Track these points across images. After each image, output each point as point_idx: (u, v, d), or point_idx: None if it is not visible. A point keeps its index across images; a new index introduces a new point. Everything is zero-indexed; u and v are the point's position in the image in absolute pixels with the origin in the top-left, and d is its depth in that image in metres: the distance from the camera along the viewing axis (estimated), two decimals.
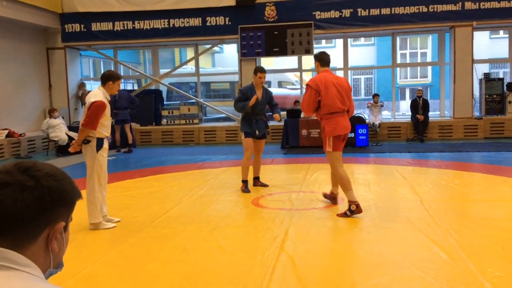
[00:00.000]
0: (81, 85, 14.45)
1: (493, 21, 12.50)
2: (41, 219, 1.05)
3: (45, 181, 1.05)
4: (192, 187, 6.93)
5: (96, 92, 5.04)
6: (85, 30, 13.70)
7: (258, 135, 6.65)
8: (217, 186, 6.98)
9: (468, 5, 12.34)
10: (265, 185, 6.87)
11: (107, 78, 5.06)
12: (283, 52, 13.16)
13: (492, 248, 3.96)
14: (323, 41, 23.27)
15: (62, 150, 11.30)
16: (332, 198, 5.79)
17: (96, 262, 3.93)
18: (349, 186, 5.13)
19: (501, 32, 19.88)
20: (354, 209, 5.04)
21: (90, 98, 4.97)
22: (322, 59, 5.44)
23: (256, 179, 6.94)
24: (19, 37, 12.71)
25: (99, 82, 5.17)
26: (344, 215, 5.07)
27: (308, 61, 20.18)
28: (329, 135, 5.18)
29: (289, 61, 16.93)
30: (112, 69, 15.60)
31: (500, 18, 12.34)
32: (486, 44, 21.13)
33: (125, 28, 13.60)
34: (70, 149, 5.14)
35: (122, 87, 17.81)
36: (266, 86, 6.93)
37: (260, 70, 6.68)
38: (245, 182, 6.61)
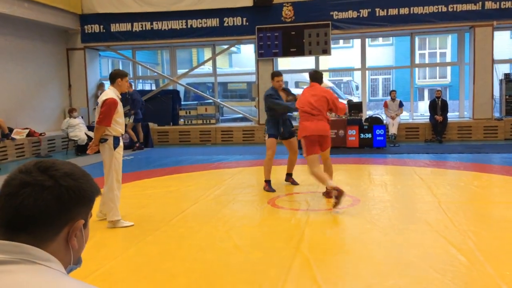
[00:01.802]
0: (100, 85, 14.63)
1: None
2: (60, 217, 1.08)
3: (64, 180, 1.08)
4: (208, 187, 6.97)
5: (108, 92, 5.20)
6: (104, 31, 13.88)
7: (286, 134, 6.92)
8: (234, 186, 7.01)
9: (489, 5, 12.16)
10: (295, 183, 7.06)
11: (116, 76, 5.20)
12: (300, 52, 13.14)
13: (511, 251, 3.91)
14: (341, 41, 23.17)
15: (81, 149, 11.46)
16: (326, 193, 6.13)
17: (114, 260, 3.99)
18: (324, 178, 5.68)
19: None
20: (336, 194, 5.35)
21: (102, 97, 5.15)
22: (310, 76, 6.37)
23: (289, 175, 7.16)
24: (40, 38, 12.94)
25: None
26: (335, 205, 5.34)
27: (326, 61, 20.13)
28: (299, 136, 6.01)
29: (306, 61, 16.88)
30: (131, 69, 15.79)
31: None
32: (507, 44, 20.78)
33: (144, 28, 13.74)
34: (89, 151, 5.25)
35: (140, 87, 18.04)
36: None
37: (276, 75, 6.97)
38: (268, 182, 6.73)
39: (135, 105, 12.15)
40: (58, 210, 1.07)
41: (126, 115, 11.82)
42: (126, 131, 12.17)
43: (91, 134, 11.62)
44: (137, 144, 12.28)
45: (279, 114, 6.81)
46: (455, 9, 12.31)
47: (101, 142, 5.08)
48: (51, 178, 1.07)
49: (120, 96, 5.26)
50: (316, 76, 6.27)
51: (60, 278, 1.03)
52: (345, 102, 14.44)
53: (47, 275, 1.02)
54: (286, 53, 13.27)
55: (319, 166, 5.90)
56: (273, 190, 6.59)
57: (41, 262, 1.03)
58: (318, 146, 5.96)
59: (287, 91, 7.16)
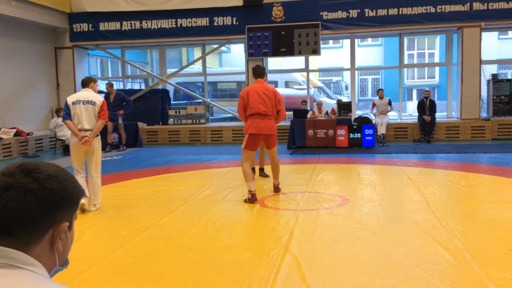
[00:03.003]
0: (110, 85, 14.40)
1: (501, 22, 12.44)
2: (45, 220, 1.07)
3: (48, 183, 1.07)
4: (198, 187, 6.96)
5: (95, 93, 6.00)
6: (93, 29, 13.79)
7: None
8: (223, 186, 7.00)
9: (476, 6, 12.28)
10: (266, 176, 7.57)
11: (89, 81, 6.06)
12: (290, 52, 13.17)
13: (498, 250, 3.95)
14: (331, 41, 23.26)
15: (69, 149, 11.35)
16: (276, 188, 6.48)
17: (102, 261, 3.96)
18: (248, 178, 5.98)
19: (510, 32, 19.79)
20: (250, 198, 5.87)
21: (97, 97, 5.92)
22: (254, 71, 6.32)
23: (261, 169, 7.73)
24: (27, 37, 12.82)
25: (106, 81, 5.71)
26: (245, 201, 5.91)
27: (315, 61, 20.19)
28: (244, 131, 6.14)
29: (296, 61, 16.92)
30: (120, 68, 15.70)
31: (508, 18, 12.28)
32: (494, 45, 21.01)
33: (133, 27, 13.68)
34: (86, 144, 5.73)
35: (129, 86, 17.95)
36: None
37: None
38: (260, 169, 7.54)
39: (129, 106, 12.05)
40: (42, 213, 1.06)
41: (115, 116, 11.74)
42: (117, 132, 12.09)
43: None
44: (109, 148, 11.93)
45: None
46: (443, 10, 12.42)
47: (97, 136, 5.91)
48: (35, 180, 1.06)
49: None
50: (259, 71, 6.25)
51: (43, 283, 1.02)
52: (334, 102, 14.51)
53: (31, 280, 1.00)
54: (276, 53, 13.28)
55: (252, 163, 6.13)
56: (267, 175, 7.38)
57: (24, 266, 1.02)
58: (259, 144, 6.25)
59: None
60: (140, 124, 13.42)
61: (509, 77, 15.56)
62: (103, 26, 13.76)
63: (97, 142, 5.91)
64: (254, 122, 6.01)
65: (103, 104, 5.88)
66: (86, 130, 5.77)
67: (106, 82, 13.60)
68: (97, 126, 5.83)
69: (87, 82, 6.02)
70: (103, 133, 11.93)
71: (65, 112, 5.85)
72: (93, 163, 5.85)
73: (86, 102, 5.80)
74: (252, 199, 5.88)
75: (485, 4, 12.24)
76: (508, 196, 6.04)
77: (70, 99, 5.86)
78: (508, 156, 9.25)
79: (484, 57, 12.85)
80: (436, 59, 23.49)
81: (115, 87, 12.45)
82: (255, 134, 6.04)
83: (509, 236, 4.32)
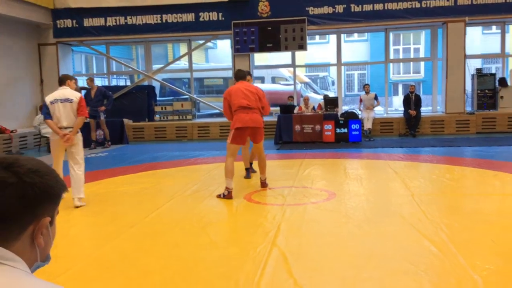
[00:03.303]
0: (90, 80, 14.29)
1: (485, 17, 12.56)
2: (25, 215, 1.05)
3: (28, 177, 1.05)
4: (185, 183, 6.93)
5: (72, 90, 6.06)
6: (77, 25, 13.63)
7: None
8: (210, 182, 6.98)
9: (461, 1, 12.39)
10: (253, 171, 7.49)
11: (66, 78, 6.15)
12: (276, 47, 13.15)
13: (482, 242, 4.00)
14: (317, 36, 23.27)
15: None
16: (262, 183, 6.50)
17: (87, 258, 3.93)
18: (228, 175, 5.92)
19: (494, 27, 19.97)
20: (226, 194, 5.87)
21: (74, 94, 5.98)
22: (236, 75, 6.49)
23: (250, 164, 7.63)
24: (10, 33, 12.63)
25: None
26: (218, 196, 5.93)
27: (302, 56, 20.20)
28: (231, 127, 6.13)
29: (283, 56, 16.91)
30: (105, 65, 15.57)
31: (492, 13, 12.40)
32: (479, 40, 21.22)
33: (117, 23, 13.54)
34: (68, 142, 5.81)
35: (115, 82, 17.79)
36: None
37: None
38: (247, 169, 7.40)
39: (110, 101, 11.94)
40: (22, 208, 1.04)
41: (96, 112, 11.60)
42: (101, 128, 11.97)
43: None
44: (94, 144, 11.79)
45: None
46: (428, 5, 12.50)
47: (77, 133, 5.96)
48: (15, 174, 1.04)
49: None
50: (240, 75, 6.42)
51: (24, 278, 1.00)
52: (321, 97, 14.55)
53: (12, 275, 0.99)
54: (263, 49, 13.26)
55: (234, 158, 6.07)
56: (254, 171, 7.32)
57: (4, 261, 1.00)
58: (247, 138, 6.32)
59: None
60: (126, 121, 13.31)
61: (493, 72, 15.73)
62: (87, 22, 13.61)
63: (78, 138, 5.98)
64: (239, 117, 6.01)
65: (81, 100, 5.94)
66: (66, 128, 5.86)
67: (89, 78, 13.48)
68: (77, 123, 5.90)
69: (63, 80, 6.10)
70: (87, 130, 11.82)
71: (45, 112, 5.99)
72: (76, 159, 5.90)
73: (64, 100, 5.88)
74: (227, 195, 5.85)
75: None
76: (492, 189, 6.12)
77: (48, 98, 5.98)
78: (492, 149, 9.37)
79: (468, 51, 12.97)
80: (422, 54, 23.66)
81: (100, 84, 12.37)
82: (241, 128, 6.03)
83: (493, 228, 4.38)
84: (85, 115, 5.95)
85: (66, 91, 5.97)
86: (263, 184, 6.50)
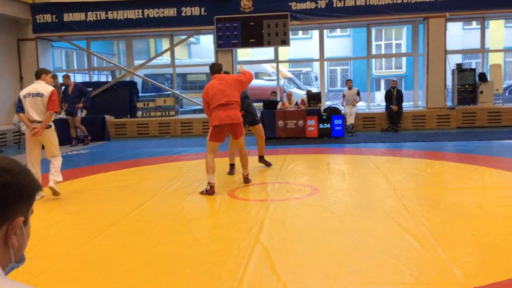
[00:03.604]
0: (53, 77, 14.13)
1: (465, 12, 12.70)
2: None
3: (0, 176, 1.03)
4: (167, 180, 6.89)
5: (45, 85, 6.08)
6: (57, 20, 13.42)
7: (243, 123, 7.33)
8: (193, 178, 6.95)
9: None
10: (269, 164, 7.66)
11: (42, 72, 6.20)
12: (259, 43, 13.13)
13: (462, 235, 4.06)
14: (300, 32, 23.31)
15: None
16: (245, 179, 6.52)
17: (68, 257, 3.88)
18: (210, 170, 5.94)
19: (474, 23, 20.24)
20: (208, 189, 5.86)
21: (46, 88, 6.00)
22: (210, 69, 6.39)
23: (261, 157, 7.75)
24: None
25: (71, 74, 5.69)
26: (201, 192, 5.91)
27: (285, 52, 20.20)
28: (210, 125, 6.16)
29: (266, 52, 16.89)
30: (85, 60, 15.37)
31: (472, 9, 12.55)
32: (459, 35, 21.48)
33: (98, 18, 13.37)
34: (37, 136, 5.90)
35: (96, 78, 17.59)
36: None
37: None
38: (231, 165, 7.31)
39: (88, 98, 11.73)
40: None
41: (74, 109, 11.43)
42: (76, 126, 11.68)
43: None
44: (74, 142, 11.61)
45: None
46: (409, 1, 12.59)
47: (47, 128, 6.01)
48: None
49: None
50: (215, 68, 6.37)
51: None
52: (303, 93, 14.57)
53: None
54: (246, 44, 13.22)
55: (214, 155, 6.11)
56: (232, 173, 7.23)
57: None
58: (225, 135, 6.24)
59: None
60: (108, 117, 13.17)
61: (473, 67, 15.92)
62: (68, 17, 13.41)
63: (49, 132, 6.08)
64: (216, 114, 6.03)
65: (51, 95, 5.97)
66: (38, 122, 5.95)
67: (71, 74, 13.30)
68: (45, 118, 5.97)
69: (39, 74, 6.17)
70: (66, 127, 11.65)
71: (18, 106, 6.12)
72: (51, 150, 6.08)
73: (35, 94, 5.97)
74: (209, 190, 5.86)
75: None
76: (472, 183, 6.21)
77: (22, 92, 6.08)
78: (472, 144, 9.50)
79: (449, 47, 13.11)
80: (403, 50, 23.87)
81: (81, 80, 12.20)
82: (218, 126, 6.04)
83: (473, 221, 4.44)
84: (54, 110, 5.99)
85: (39, 85, 6.03)
86: (246, 180, 6.50)
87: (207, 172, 5.97)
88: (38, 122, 5.94)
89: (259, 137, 7.66)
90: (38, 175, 5.85)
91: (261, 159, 7.76)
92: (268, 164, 7.69)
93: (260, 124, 7.71)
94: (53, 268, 3.63)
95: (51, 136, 6.13)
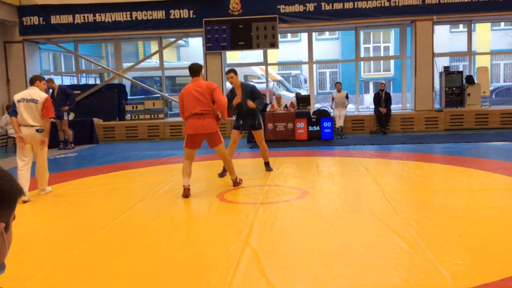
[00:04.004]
0: (50, 81, 14.02)
1: (453, 15, 12.83)
2: None
3: None
4: (156, 183, 6.85)
5: (39, 91, 6.27)
6: (44, 23, 13.31)
7: (246, 127, 7.37)
8: (182, 182, 6.90)
9: (429, 0, 12.62)
10: (269, 170, 7.53)
11: (36, 79, 6.42)
12: (248, 45, 13.14)
13: (450, 237, 4.08)
14: (289, 34, 23.40)
15: None
16: (234, 182, 6.46)
17: (56, 262, 3.83)
18: (184, 174, 6.03)
19: (461, 26, 20.44)
20: (186, 194, 5.91)
21: (41, 95, 6.19)
22: (189, 69, 6.16)
23: (265, 164, 7.63)
24: None
25: (59, 77, 5.72)
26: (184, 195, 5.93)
27: (274, 54, 20.25)
28: (184, 132, 6.18)
29: (255, 54, 16.91)
30: (73, 63, 15.25)
31: (459, 12, 12.68)
32: (446, 38, 21.69)
33: (86, 20, 13.28)
34: (44, 144, 6.21)
35: (84, 81, 17.46)
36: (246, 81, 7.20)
37: (226, 72, 7.22)
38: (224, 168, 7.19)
39: (72, 100, 11.60)
40: None
41: (60, 112, 11.30)
42: (62, 129, 11.53)
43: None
44: (62, 145, 11.49)
45: (240, 110, 7.18)
46: (397, 4, 12.69)
47: (39, 131, 6.17)
48: None
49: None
50: (194, 68, 6.11)
51: None
52: (292, 96, 14.59)
53: None
54: (234, 47, 13.23)
55: (190, 161, 6.13)
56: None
57: None
58: (200, 142, 6.15)
59: (248, 88, 7.19)
60: (96, 120, 13.08)
61: (460, 69, 16.09)
62: (55, 19, 13.30)
63: (40, 135, 6.20)
64: (191, 123, 5.99)
65: (45, 101, 6.16)
66: (32, 126, 6.09)
67: (58, 77, 13.18)
68: (45, 126, 6.19)
69: (33, 81, 6.38)
70: (53, 131, 11.52)
71: (12, 109, 6.23)
72: (39, 154, 6.29)
73: (29, 100, 6.14)
74: (183, 193, 5.92)
75: None
76: (460, 185, 6.26)
77: (17, 96, 6.22)
78: (460, 146, 9.58)
79: (436, 50, 13.23)
80: (391, 53, 24.04)
81: (69, 82, 12.10)
82: (192, 134, 6.03)
83: (461, 223, 4.47)
84: (49, 116, 6.17)
85: (33, 91, 6.21)
86: (235, 183, 6.47)
87: (183, 178, 6.03)
88: (32, 126, 6.12)
89: (258, 141, 7.53)
90: (29, 165, 6.11)
91: (266, 165, 7.62)
92: (269, 169, 7.55)
93: (261, 130, 7.42)
94: (40, 273, 3.58)
95: (42, 140, 6.25)
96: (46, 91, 6.49)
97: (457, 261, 3.51)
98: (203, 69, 6.43)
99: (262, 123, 7.45)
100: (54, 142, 11.40)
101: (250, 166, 8.27)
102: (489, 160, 7.87)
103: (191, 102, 5.97)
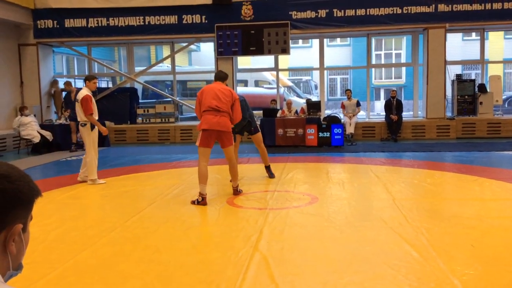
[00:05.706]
0: (54, 83, 14.19)
1: (465, 23, 12.77)
2: None
3: None
4: (167, 186, 6.87)
5: (84, 91, 7.15)
6: (58, 26, 13.46)
7: (240, 132, 7.27)
8: (192, 185, 6.92)
9: (441, 7, 12.57)
10: (271, 176, 7.46)
11: (86, 78, 7.38)
12: (259, 51, 13.17)
13: (462, 246, 4.04)
14: (300, 40, 23.41)
15: (37, 149, 11.12)
16: (234, 190, 6.30)
17: (66, 263, 3.86)
18: (202, 180, 5.77)
19: (474, 34, 20.33)
20: (200, 200, 5.71)
21: (79, 96, 7.11)
22: (215, 75, 6.34)
23: (266, 168, 7.57)
24: None
25: (71, 79, 6.01)
26: (193, 202, 5.77)
27: (285, 60, 20.26)
28: (198, 128, 5.98)
29: (266, 60, 16.95)
30: (86, 66, 15.39)
31: (472, 20, 12.61)
32: (459, 46, 21.56)
33: (99, 24, 13.41)
34: (105, 132, 7.52)
35: (97, 84, 17.57)
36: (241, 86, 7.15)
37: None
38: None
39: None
40: None
41: (75, 114, 11.38)
42: (76, 132, 11.53)
43: (44, 132, 11.33)
44: (74, 147, 11.52)
45: None
46: (409, 11, 12.66)
47: (82, 126, 7.18)
48: None
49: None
50: (220, 75, 6.23)
51: None
52: (303, 102, 14.58)
53: None
54: (246, 52, 13.27)
55: (206, 162, 5.88)
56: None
57: None
58: (214, 141, 5.95)
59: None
60: (108, 123, 13.16)
61: (473, 78, 15.99)
62: (69, 23, 13.45)
63: (83, 131, 7.20)
64: (206, 118, 5.81)
65: (81, 100, 7.07)
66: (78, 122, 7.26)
67: (71, 80, 13.31)
68: (92, 121, 7.14)
69: (84, 80, 7.48)
70: (67, 132, 11.66)
71: None
72: (86, 148, 7.29)
73: (75, 99, 7.40)
74: (201, 202, 5.70)
75: (450, 5, 12.53)
76: (471, 193, 6.20)
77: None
78: (471, 155, 9.50)
79: (448, 57, 13.16)
80: (403, 60, 23.94)
81: (81, 86, 12.13)
82: (207, 130, 5.80)
83: (473, 233, 4.43)
84: (87, 113, 7.03)
85: (80, 91, 7.20)
86: (235, 192, 6.27)
87: (199, 182, 5.77)
88: (78, 121, 7.28)
89: (257, 144, 7.52)
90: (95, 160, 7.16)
91: (267, 169, 7.56)
92: (271, 176, 7.48)
93: (258, 134, 7.46)
94: (51, 274, 3.60)
95: (82, 133, 7.24)
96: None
97: (469, 271, 3.47)
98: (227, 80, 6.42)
99: (258, 126, 7.47)
100: (66, 144, 11.52)
101: (259, 171, 8.26)
102: (501, 170, 7.79)
103: (210, 97, 5.85)
